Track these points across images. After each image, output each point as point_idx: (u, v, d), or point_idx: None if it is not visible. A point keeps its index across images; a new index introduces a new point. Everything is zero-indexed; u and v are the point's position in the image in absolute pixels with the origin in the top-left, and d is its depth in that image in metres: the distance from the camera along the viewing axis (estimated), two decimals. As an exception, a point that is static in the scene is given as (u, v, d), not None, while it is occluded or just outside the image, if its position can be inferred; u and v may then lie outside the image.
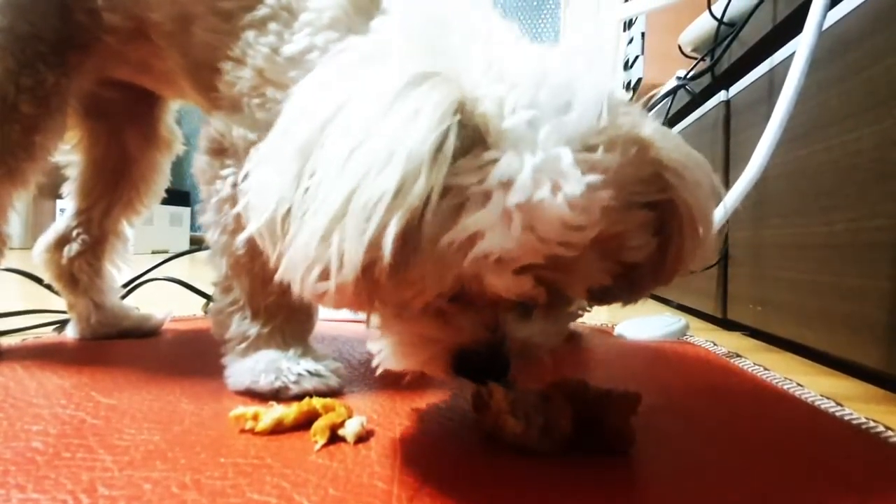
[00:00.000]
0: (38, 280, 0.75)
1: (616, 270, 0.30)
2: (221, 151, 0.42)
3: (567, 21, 3.02)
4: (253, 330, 0.42)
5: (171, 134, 0.63)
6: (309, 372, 0.41)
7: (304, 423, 0.34)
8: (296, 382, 0.40)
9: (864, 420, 0.41)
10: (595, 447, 0.32)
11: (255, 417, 0.34)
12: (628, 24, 1.70)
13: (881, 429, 0.39)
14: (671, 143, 0.30)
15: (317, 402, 0.35)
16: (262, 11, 0.41)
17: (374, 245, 0.23)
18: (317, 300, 0.27)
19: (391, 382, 0.46)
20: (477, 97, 0.26)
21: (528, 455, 0.31)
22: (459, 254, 0.25)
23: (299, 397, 0.37)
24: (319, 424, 0.33)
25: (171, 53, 0.48)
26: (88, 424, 0.34)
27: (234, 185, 0.41)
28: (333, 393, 0.41)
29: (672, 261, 0.32)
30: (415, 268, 0.25)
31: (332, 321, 0.74)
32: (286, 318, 0.43)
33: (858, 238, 0.53)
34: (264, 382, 0.40)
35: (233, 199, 0.41)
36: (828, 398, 0.46)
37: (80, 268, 0.60)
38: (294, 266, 0.26)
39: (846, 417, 0.41)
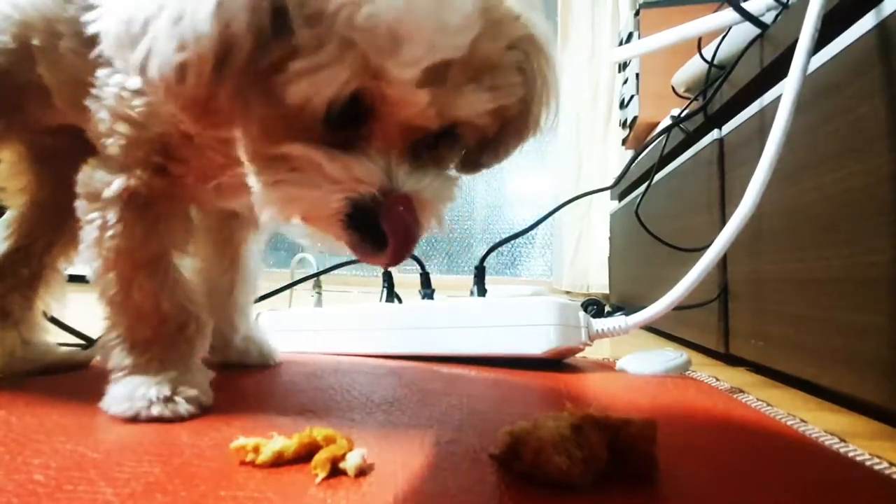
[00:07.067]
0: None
1: (492, 119, 0.33)
2: (88, 196, 0.43)
3: (563, 64, 3.12)
4: (128, 361, 0.45)
5: None
6: (163, 398, 0.42)
7: (305, 455, 0.34)
8: (147, 408, 0.42)
9: (868, 457, 0.40)
10: (625, 476, 0.32)
11: (256, 450, 0.34)
12: (623, 66, 1.76)
13: (885, 465, 0.39)
14: (538, 18, 0.34)
15: (318, 435, 0.35)
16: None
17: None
18: (183, 102, 0.28)
19: (393, 416, 0.45)
20: None
21: (539, 487, 0.31)
22: (359, 33, 0.26)
23: (162, 420, 0.41)
24: (320, 457, 0.33)
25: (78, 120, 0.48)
26: (89, 458, 0.34)
27: (99, 229, 0.42)
28: (191, 417, 0.42)
29: (532, 122, 0.36)
30: (301, 56, 0.26)
31: (333, 355, 0.74)
32: (164, 348, 0.45)
33: (854, 273, 0.54)
34: (117, 409, 0.42)
35: (99, 245, 0.43)
36: (832, 435, 0.46)
37: (13, 301, 0.59)
38: (156, 55, 0.27)
39: (850, 454, 0.41)
